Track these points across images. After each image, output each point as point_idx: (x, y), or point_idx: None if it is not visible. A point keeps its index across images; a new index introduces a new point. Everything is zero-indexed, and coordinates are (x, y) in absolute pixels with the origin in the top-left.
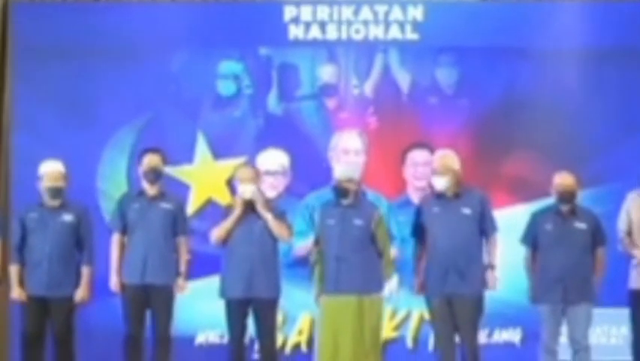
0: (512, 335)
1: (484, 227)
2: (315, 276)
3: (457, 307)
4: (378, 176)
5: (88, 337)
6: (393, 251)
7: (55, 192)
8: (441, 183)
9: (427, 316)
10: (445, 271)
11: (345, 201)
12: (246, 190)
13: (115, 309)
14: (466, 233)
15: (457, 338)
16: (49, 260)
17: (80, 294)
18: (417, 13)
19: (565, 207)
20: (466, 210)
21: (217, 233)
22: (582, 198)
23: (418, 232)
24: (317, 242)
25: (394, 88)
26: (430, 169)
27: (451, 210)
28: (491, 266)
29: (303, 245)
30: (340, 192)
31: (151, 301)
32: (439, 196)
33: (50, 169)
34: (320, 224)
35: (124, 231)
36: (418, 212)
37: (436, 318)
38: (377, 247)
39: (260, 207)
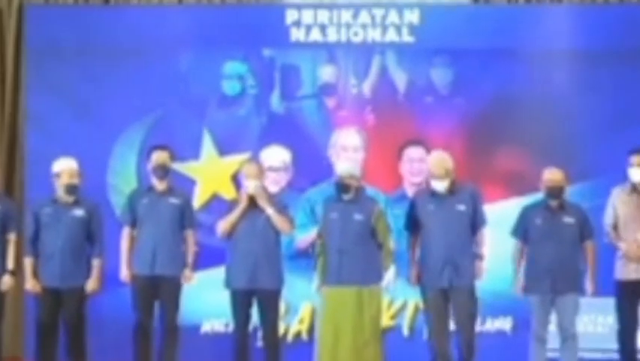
0: (504, 324)
1: (475, 220)
2: (318, 267)
3: (453, 299)
4: (375, 171)
5: (99, 325)
6: (391, 244)
7: (72, 189)
8: (441, 186)
9: (422, 305)
10: (442, 267)
11: (346, 197)
12: (250, 185)
13: (124, 299)
14: (460, 229)
15: (452, 328)
16: (61, 253)
17: (91, 285)
18: (413, 16)
19: (553, 202)
20: (461, 207)
21: (223, 226)
22: (571, 192)
23: (412, 225)
24: (320, 235)
25: (391, 88)
26: (428, 171)
27: (446, 207)
28: (479, 257)
29: (304, 238)
30: (342, 187)
31: (159, 291)
32: (434, 193)
33: (67, 167)
34: (323, 218)
35: (134, 224)
36: (412, 206)
37: (431, 308)
38: (377, 240)
39: (262, 202)
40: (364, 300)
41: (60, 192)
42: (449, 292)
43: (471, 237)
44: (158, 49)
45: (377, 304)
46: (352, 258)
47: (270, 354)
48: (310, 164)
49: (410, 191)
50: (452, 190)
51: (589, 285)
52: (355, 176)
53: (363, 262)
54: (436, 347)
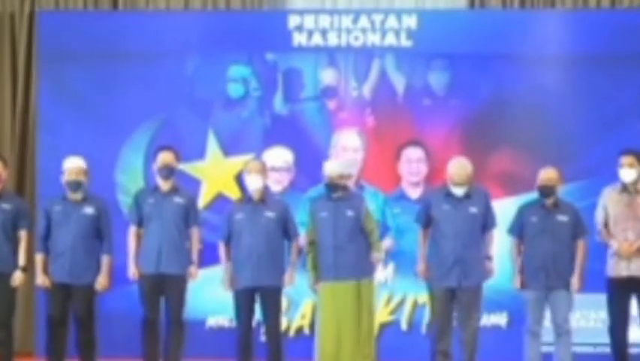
0: (499, 319)
1: (485, 222)
2: (309, 265)
3: (460, 298)
4: (375, 171)
5: (108, 320)
6: (390, 241)
7: (75, 186)
8: (461, 192)
9: (420, 301)
10: (452, 266)
11: (335, 195)
12: (253, 181)
13: (132, 295)
14: (472, 230)
15: (454, 321)
16: (71, 250)
17: (101, 281)
18: (411, 21)
19: (548, 201)
20: (474, 209)
21: (221, 254)
22: (566, 192)
23: (424, 221)
24: (309, 234)
25: (390, 90)
26: (448, 176)
27: (461, 209)
28: (488, 257)
29: (305, 236)
30: (334, 186)
31: (165, 288)
32: (449, 194)
33: (71, 165)
34: (313, 217)
35: (140, 223)
36: (427, 204)
37: (436, 306)
38: (366, 232)
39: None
40: (362, 292)
41: (66, 189)
42: (457, 291)
43: (481, 238)
44: (165, 53)
45: (373, 296)
46: (347, 253)
47: (272, 348)
48: (312, 164)
49: (408, 190)
50: (467, 193)
51: (575, 282)
52: (344, 175)
53: (358, 257)
54: (436, 344)
